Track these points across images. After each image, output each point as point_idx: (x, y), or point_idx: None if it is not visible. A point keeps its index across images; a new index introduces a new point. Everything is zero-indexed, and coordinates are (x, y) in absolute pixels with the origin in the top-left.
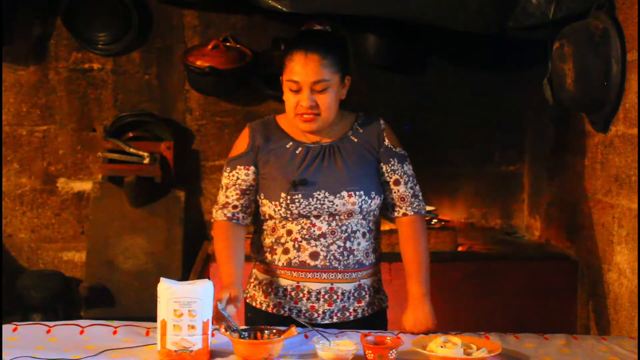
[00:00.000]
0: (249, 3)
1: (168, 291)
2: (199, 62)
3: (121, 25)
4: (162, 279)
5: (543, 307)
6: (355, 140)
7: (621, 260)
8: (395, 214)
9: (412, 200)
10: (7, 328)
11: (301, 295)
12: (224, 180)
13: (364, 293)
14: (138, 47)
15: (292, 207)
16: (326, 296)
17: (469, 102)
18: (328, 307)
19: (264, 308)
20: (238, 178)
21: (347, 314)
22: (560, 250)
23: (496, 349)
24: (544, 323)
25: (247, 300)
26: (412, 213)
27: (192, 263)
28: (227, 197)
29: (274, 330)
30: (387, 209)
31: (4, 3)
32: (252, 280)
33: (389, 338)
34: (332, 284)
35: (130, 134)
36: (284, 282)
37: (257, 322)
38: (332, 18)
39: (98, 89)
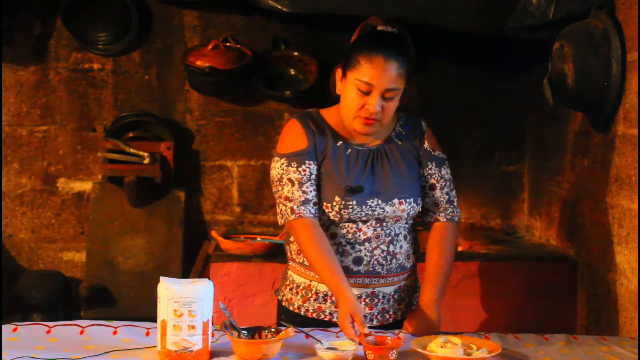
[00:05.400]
0: (249, 3)
1: (168, 291)
2: (199, 62)
3: (121, 25)
4: (162, 278)
5: (543, 307)
6: (400, 143)
7: (621, 260)
8: (429, 218)
9: (447, 206)
10: (7, 328)
11: None
12: (293, 176)
13: (403, 295)
14: (138, 47)
15: (344, 212)
16: (367, 300)
17: (469, 102)
18: (369, 311)
19: (302, 312)
20: (311, 173)
21: (387, 316)
22: (560, 250)
23: (496, 349)
24: (544, 323)
25: (283, 303)
26: (445, 220)
27: (192, 263)
28: (304, 192)
29: (273, 330)
30: (421, 212)
31: (4, 3)
32: (287, 282)
33: (389, 338)
34: (373, 288)
35: (130, 134)
36: (324, 286)
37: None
38: (332, 18)
39: (98, 89)
